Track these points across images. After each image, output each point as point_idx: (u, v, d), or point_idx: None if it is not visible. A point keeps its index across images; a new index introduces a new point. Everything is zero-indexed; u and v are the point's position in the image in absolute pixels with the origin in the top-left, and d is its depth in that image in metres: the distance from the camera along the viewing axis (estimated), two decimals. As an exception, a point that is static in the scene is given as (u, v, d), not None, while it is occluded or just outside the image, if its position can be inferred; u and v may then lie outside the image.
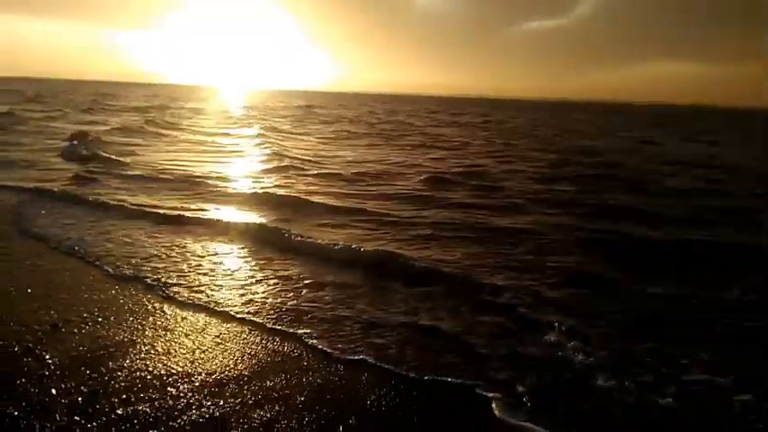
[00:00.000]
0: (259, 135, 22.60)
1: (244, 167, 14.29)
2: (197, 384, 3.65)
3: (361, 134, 26.58)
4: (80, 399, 3.40)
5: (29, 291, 5.18)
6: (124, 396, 3.46)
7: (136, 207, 8.74)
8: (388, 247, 6.80)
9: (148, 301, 5.04)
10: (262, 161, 15.34)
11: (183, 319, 4.71)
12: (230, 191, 10.72)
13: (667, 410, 3.50)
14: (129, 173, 12.34)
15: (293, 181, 12.23)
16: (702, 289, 5.70)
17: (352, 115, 45.58)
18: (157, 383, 3.64)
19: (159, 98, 62.92)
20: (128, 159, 14.27)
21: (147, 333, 4.39)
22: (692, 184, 13.26)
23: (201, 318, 4.75)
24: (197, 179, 11.63)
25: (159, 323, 4.59)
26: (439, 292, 5.43)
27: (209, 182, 11.40)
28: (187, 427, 3.20)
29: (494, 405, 3.52)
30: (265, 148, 18.02)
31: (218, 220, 7.98)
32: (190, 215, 8.30)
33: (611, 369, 3.91)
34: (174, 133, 23.19)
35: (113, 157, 14.42)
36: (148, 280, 5.53)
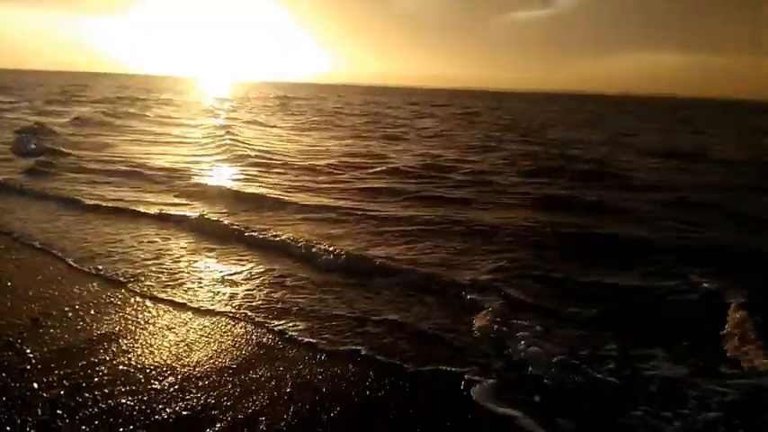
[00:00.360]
0: (223, 126, 22.50)
1: (196, 158, 14.20)
2: (180, 377, 3.66)
3: (328, 125, 26.64)
4: (62, 392, 3.39)
5: (8, 284, 5.11)
6: (107, 390, 3.45)
7: (90, 201, 8.68)
8: (344, 241, 6.86)
9: (126, 296, 5.01)
10: (217, 152, 15.39)
11: (163, 312, 4.70)
12: (178, 183, 10.62)
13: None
14: (80, 165, 12.19)
15: (242, 170, 12.40)
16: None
17: (330, 107, 45.52)
18: (140, 377, 3.64)
19: (132, 90, 61.76)
20: (79, 152, 14.02)
21: (128, 327, 4.37)
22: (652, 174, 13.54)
23: (181, 311, 4.74)
24: (145, 171, 11.60)
25: (139, 317, 4.57)
26: (402, 287, 5.48)
27: (157, 173, 11.41)
28: (171, 420, 3.21)
29: (475, 391, 3.62)
30: (225, 138, 17.94)
31: (169, 215, 7.94)
32: (143, 210, 8.25)
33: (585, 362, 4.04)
34: (135, 124, 22.87)
35: (63, 149, 14.16)
36: (118, 274, 5.48)
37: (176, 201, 9.15)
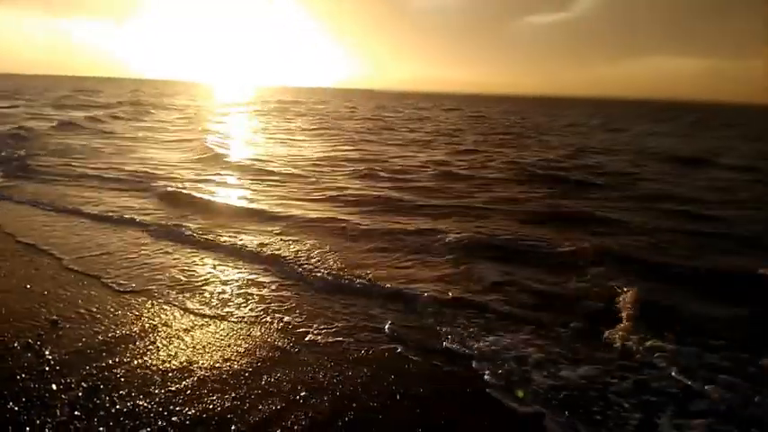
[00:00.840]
0: (204, 130, 22.77)
1: (167, 162, 14.15)
2: (196, 380, 3.68)
3: (318, 130, 26.56)
4: (80, 394, 3.42)
5: (27, 286, 5.18)
6: (123, 392, 3.49)
7: (70, 204, 8.71)
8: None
9: (141, 301, 5.05)
10: (192, 154, 15.57)
11: (178, 316, 4.73)
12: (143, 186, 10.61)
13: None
14: (44, 169, 12.09)
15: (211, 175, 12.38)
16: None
17: (330, 110, 45.80)
18: (157, 379, 3.67)
19: (140, 95, 62.14)
20: (48, 158, 13.81)
21: (143, 330, 4.40)
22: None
23: (194, 316, 4.77)
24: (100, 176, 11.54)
25: (154, 321, 4.61)
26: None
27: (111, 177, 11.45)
28: (188, 422, 3.23)
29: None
30: (207, 140, 18.10)
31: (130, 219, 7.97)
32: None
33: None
34: (119, 129, 22.85)
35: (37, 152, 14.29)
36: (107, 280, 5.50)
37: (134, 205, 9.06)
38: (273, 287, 5.47)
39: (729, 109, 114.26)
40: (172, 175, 11.91)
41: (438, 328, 4.61)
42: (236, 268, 6.01)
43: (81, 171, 11.92)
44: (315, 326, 4.63)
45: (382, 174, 13.11)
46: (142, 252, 6.41)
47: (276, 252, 6.52)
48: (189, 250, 6.57)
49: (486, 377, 3.85)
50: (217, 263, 6.16)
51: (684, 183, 13.15)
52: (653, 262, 6.61)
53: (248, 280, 5.65)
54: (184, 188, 10.22)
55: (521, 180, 12.99)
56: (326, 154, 16.93)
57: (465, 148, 19.57)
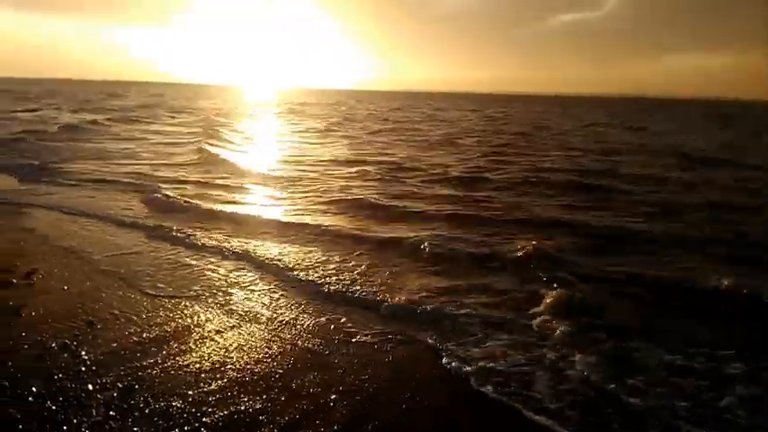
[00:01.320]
0: (210, 130, 23.09)
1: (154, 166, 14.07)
2: (228, 380, 3.72)
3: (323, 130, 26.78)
4: (115, 394, 3.48)
5: (65, 288, 5.31)
6: (157, 392, 3.54)
7: (96, 209, 8.81)
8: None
9: (173, 303, 5.12)
10: (188, 157, 15.63)
11: (211, 317, 4.78)
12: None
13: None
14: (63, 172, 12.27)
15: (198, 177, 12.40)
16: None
17: (342, 111, 46.14)
18: (190, 380, 3.71)
19: (162, 97, 63.29)
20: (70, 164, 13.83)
21: (176, 332, 4.47)
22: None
23: (227, 317, 4.82)
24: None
25: (188, 322, 4.67)
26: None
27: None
28: (221, 423, 3.26)
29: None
30: (206, 141, 18.31)
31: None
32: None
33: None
34: (125, 130, 23.27)
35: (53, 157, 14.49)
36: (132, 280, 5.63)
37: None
38: (303, 298, 5.46)
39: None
40: (177, 178, 12.08)
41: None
42: (265, 276, 6.00)
43: (98, 175, 12.08)
44: (343, 331, 4.64)
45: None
46: (167, 257, 6.49)
47: (307, 263, 6.35)
48: (212, 258, 6.51)
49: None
50: (241, 270, 6.12)
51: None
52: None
53: (277, 286, 5.67)
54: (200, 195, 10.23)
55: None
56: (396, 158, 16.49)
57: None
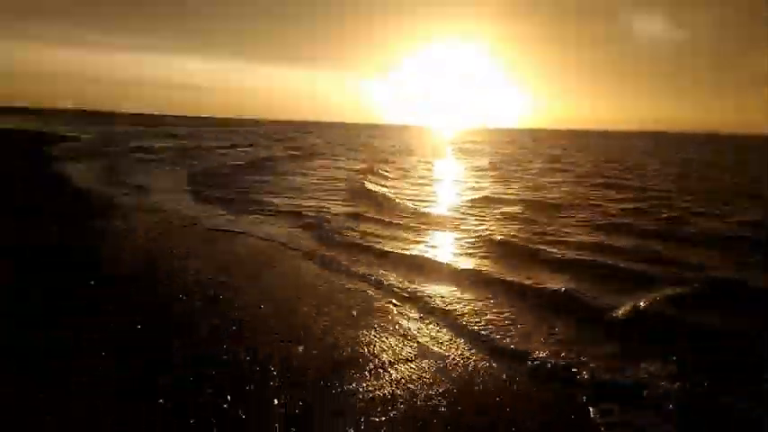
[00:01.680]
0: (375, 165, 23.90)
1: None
2: (398, 412, 3.59)
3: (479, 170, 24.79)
4: (297, 411, 3.58)
5: (298, 297, 5.85)
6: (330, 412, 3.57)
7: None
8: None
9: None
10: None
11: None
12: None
13: None
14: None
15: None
16: None
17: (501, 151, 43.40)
18: (363, 405, 3.70)
19: (364, 138, 69.27)
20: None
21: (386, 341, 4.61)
22: None
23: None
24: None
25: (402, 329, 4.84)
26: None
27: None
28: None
29: None
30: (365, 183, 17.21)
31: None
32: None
33: None
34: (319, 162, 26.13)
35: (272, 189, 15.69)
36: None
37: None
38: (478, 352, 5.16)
39: None
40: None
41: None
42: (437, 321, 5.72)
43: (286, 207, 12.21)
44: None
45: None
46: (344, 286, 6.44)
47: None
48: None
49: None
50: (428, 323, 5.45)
51: None
52: None
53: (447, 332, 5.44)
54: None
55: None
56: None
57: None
